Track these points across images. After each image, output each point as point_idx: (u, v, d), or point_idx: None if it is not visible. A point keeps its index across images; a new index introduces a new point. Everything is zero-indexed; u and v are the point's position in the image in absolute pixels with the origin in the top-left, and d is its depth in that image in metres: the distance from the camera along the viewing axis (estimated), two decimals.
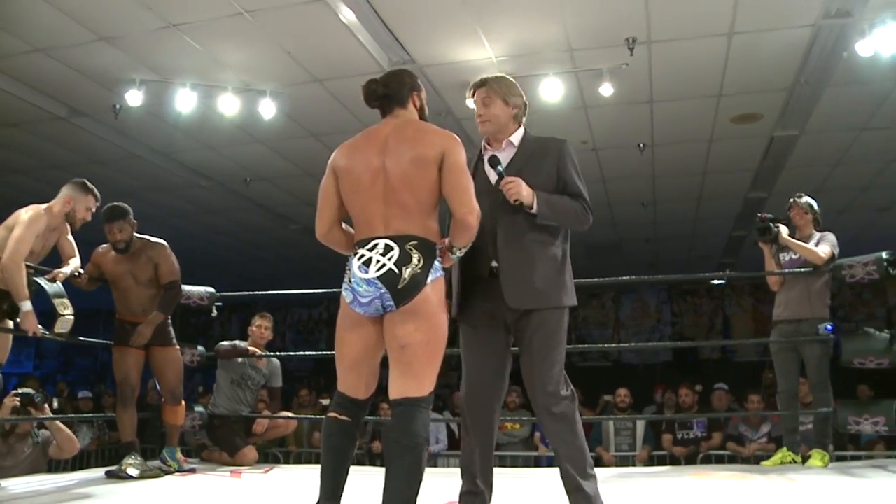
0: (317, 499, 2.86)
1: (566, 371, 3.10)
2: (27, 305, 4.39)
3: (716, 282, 14.61)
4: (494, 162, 3.15)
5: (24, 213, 4.52)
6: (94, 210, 4.84)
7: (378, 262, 2.77)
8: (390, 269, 2.75)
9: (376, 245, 2.81)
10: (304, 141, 7.95)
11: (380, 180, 2.84)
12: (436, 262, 2.83)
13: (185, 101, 6.75)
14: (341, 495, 2.87)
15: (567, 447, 3.00)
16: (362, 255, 2.82)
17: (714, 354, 14.30)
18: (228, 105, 6.84)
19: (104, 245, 5.14)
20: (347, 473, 2.90)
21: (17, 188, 8.89)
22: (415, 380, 2.78)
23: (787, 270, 5.41)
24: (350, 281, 2.85)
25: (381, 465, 2.78)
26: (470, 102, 3.34)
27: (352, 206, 2.93)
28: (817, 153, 8.21)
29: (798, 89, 6.70)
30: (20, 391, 5.34)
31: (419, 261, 2.77)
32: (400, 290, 2.75)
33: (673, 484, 4.54)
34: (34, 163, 8.59)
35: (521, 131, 3.27)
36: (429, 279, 2.78)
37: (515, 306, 3.04)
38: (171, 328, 5.23)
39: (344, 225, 3.05)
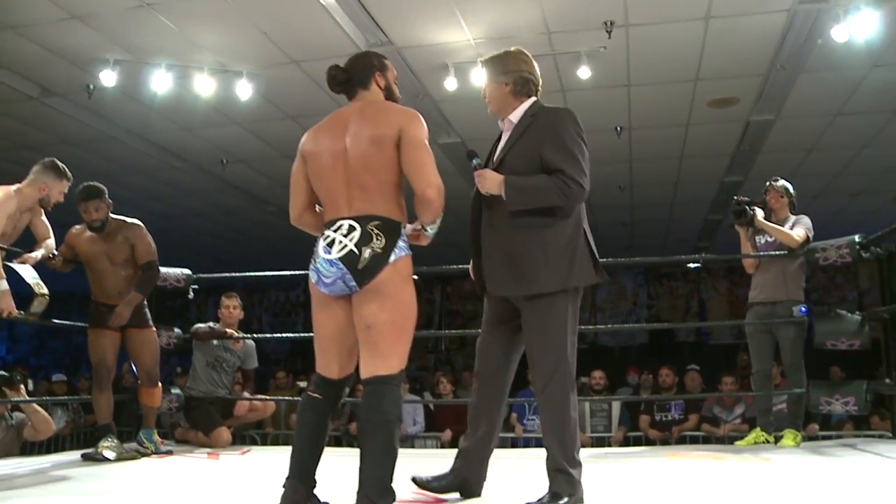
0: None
1: None
2: (3, 285, 4.35)
3: (692, 265, 14.72)
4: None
5: None
6: (66, 192, 4.80)
7: (340, 242, 2.78)
8: (351, 250, 2.76)
9: (340, 226, 2.82)
10: (280, 122, 7.90)
11: (341, 162, 2.86)
12: (400, 242, 2.82)
13: (160, 82, 6.69)
14: (312, 474, 2.86)
15: (557, 432, 2.94)
16: (327, 236, 2.83)
17: (689, 337, 14.41)
18: (204, 86, 6.79)
19: (78, 226, 5.08)
20: (320, 452, 2.90)
21: None
22: (382, 359, 2.78)
23: (762, 253, 5.46)
24: (315, 261, 2.87)
25: (359, 447, 2.78)
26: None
27: (318, 188, 2.95)
28: (792, 138, 8.28)
29: (774, 74, 6.75)
30: None
31: (380, 240, 2.77)
32: (360, 270, 2.75)
33: (649, 464, 4.59)
34: (6, 144, 8.46)
35: (522, 108, 3.16)
36: (391, 258, 2.78)
37: (493, 292, 3.06)
38: (147, 310, 5.20)
39: (318, 208, 3.06)
